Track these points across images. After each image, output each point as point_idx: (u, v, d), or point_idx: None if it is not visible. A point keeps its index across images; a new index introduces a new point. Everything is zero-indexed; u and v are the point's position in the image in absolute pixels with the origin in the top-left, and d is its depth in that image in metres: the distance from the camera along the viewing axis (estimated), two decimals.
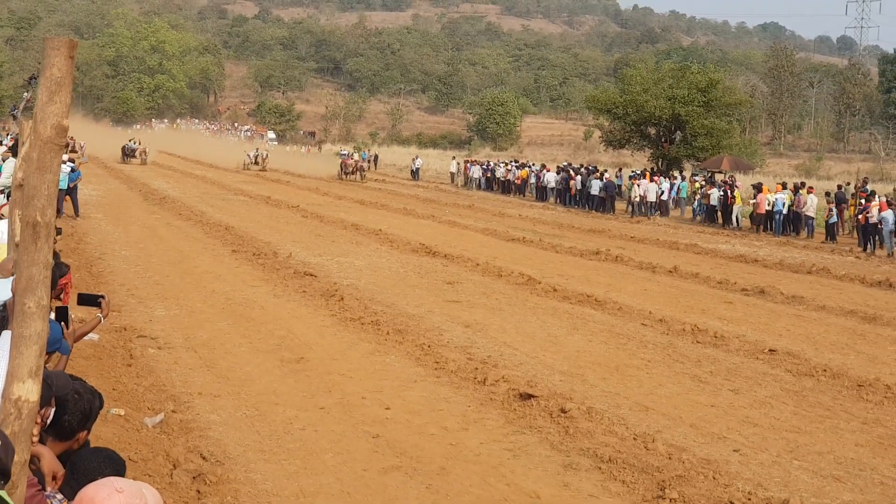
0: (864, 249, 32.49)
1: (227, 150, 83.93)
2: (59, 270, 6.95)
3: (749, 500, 8.21)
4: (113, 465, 4.30)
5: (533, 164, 63.28)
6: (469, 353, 13.56)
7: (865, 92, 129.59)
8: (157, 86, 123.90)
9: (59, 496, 3.84)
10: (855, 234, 35.55)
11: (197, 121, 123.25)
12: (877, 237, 32.28)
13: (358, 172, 63.20)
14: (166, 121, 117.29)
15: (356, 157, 69.35)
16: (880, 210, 32.00)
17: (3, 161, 28.61)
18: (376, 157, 63.58)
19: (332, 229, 30.79)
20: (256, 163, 69.44)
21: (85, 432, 4.47)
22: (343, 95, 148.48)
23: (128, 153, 66.94)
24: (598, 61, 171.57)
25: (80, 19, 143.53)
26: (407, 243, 27.16)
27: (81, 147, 61.23)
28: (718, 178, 48.56)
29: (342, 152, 67.37)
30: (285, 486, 8.25)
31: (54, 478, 3.97)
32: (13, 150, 29.30)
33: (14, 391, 3.79)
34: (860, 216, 33.59)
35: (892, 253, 30.23)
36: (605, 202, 46.05)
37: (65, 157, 12.90)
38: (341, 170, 63.75)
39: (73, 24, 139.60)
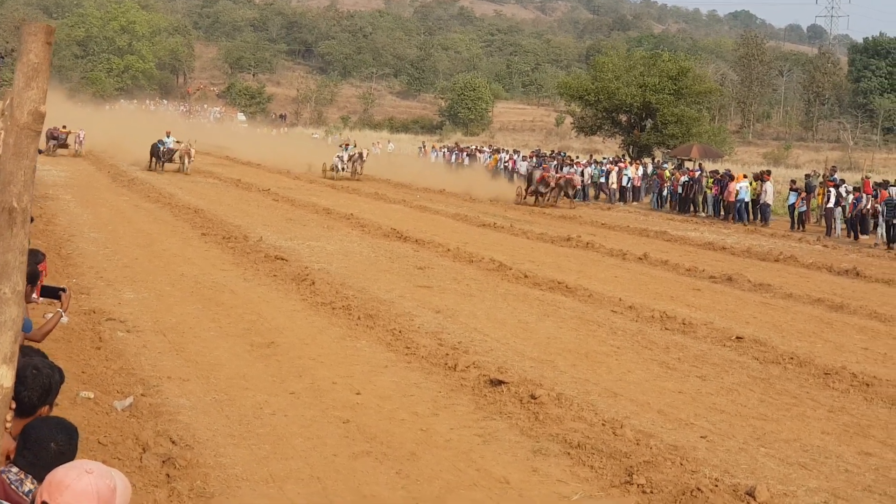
0: (855, 238, 32.84)
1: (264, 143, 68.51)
2: (35, 258, 6.91)
3: (716, 486, 8.26)
4: (64, 430, 4.28)
5: (506, 150, 64.05)
6: (440, 338, 13.58)
7: (835, 81, 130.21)
8: (127, 66, 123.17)
9: (26, 477, 3.83)
10: (821, 222, 35.86)
11: (166, 101, 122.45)
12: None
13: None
14: (135, 101, 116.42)
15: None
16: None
17: None
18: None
19: (303, 213, 30.73)
20: (347, 168, 49.21)
21: (46, 407, 4.44)
22: (314, 78, 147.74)
23: (163, 156, 45.36)
24: (570, 48, 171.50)
25: (47, 0, 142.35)
26: (378, 228, 27.15)
27: (80, 140, 52.81)
28: (689, 166, 48.81)
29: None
30: (255, 471, 8.26)
31: (7, 456, 3.97)
32: None
33: None
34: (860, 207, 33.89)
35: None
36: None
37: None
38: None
39: (42, 3, 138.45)
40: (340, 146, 52.19)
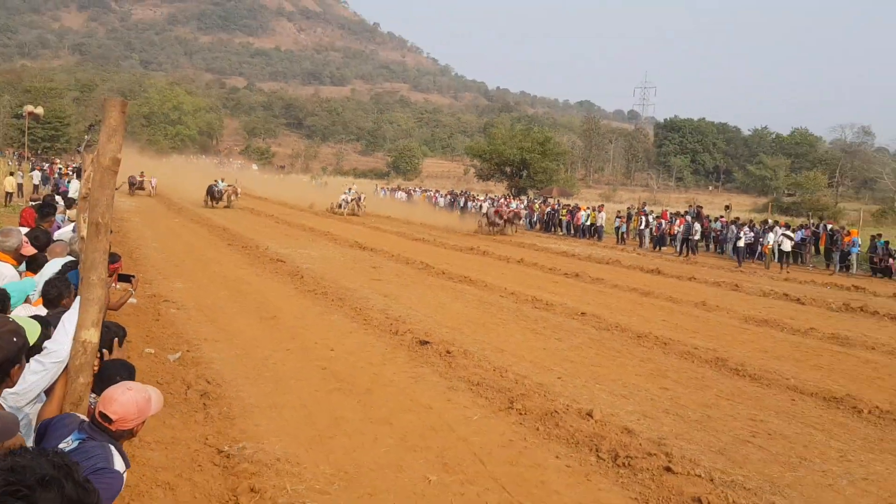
0: (657, 249, 33.29)
1: (297, 187, 63.96)
2: (112, 258, 6.81)
3: (567, 409, 8.33)
4: (126, 368, 4.29)
5: (429, 190, 64.39)
6: (386, 313, 13.54)
7: (645, 147, 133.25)
8: (177, 133, 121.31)
9: (92, 395, 3.83)
10: (636, 239, 36.38)
11: (204, 156, 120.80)
12: (679, 243, 33.26)
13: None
14: (183, 156, 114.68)
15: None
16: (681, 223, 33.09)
17: (69, 182, 28.02)
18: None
19: (295, 231, 30.46)
20: (347, 206, 43.57)
21: (107, 352, 4.39)
22: (303, 142, 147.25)
23: (216, 196, 41.45)
24: (473, 123, 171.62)
25: (125, 86, 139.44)
26: (346, 241, 26.98)
27: (152, 185, 48.47)
28: (550, 201, 49.24)
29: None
30: (262, 401, 8.19)
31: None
32: (77, 175, 28.64)
33: (82, 335, 3.77)
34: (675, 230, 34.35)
35: (681, 252, 30.98)
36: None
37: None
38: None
39: (120, 89, 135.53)
40: (346, 190, 47.16)
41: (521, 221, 40.65)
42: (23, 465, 1.49)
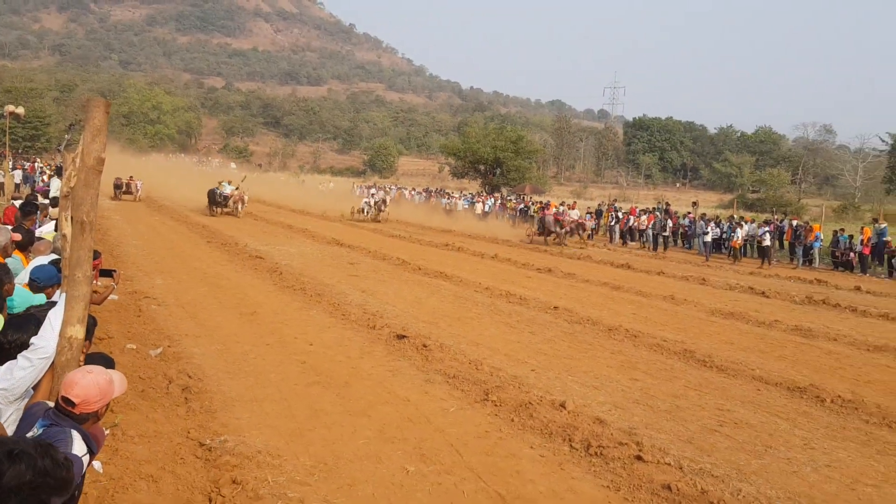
0: (625, 244, 33.41)
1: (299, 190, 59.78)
2: (93, 255, 6.76)
3: (541, 401, 8.36)
4: (104, 359, 4.29)
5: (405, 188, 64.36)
6: (364, 308, 13.52)
7: (615, 145, 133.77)
8: (156, 132, 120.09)
9: None
10: (607, 235, 36.54)
11: (183, 154, 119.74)
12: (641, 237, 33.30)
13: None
14: (162, 154, 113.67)
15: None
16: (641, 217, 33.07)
17: (50, 180, 27.73)
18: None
19: (273, 228, 30.32)
20: (370, 211, 38.69)
21: (88, 342, 4.36)
22: (281, 141, 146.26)
23: (219, 201, 34.96)
24: (448, 122, 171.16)
25: (104, 86, 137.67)
26: (324, 237, 26.91)
27: (137, 188, 42.35)
28: (526, 199, 49.39)
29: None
30: (243, 394, 8.15)
31: None
32: (58, 174, 28.33)
33: (67, 332, 3.76)
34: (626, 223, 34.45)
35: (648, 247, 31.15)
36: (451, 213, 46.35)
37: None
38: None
39: (100, 89, 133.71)
40: (369, 191, 41.40)
41: (587, 233, 34.85)
42: None
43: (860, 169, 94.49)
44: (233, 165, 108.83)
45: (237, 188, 36.10)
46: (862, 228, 29.56)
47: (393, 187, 68.29)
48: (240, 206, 35.07)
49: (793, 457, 7.19)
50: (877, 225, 28.81)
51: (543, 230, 31.87)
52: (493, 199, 49.17)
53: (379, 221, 37.77)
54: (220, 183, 36.71)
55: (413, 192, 58.47)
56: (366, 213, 38.35)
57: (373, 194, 42.36)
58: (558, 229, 31.55)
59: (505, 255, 24.73)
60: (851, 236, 28.52)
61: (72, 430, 3.31)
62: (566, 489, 6.18)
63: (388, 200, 40.81)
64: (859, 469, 6.99)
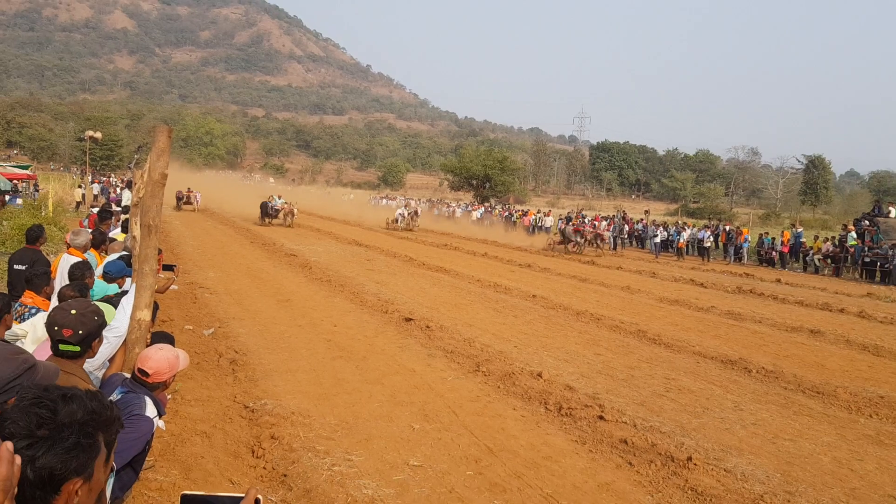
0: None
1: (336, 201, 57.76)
2: (157, 252, 6.74)
3: (521, 371, 8.36)
4: (166, 338, 4.28)
5: (413, 198, 64.24)
6: (378, 296, 13.52)
7: (582, 164, 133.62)
8: (209, 153, 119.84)
9: None
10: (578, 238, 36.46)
11: (230, 171, 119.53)
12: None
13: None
14: (213, 171, 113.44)
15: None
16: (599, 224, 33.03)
17: (122, 191, 27.76)
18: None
19: (304, 231, 30.28)
20: (404, 221, 35.99)
21: (152, 323, 4.36)
22: (311, 160, 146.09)
23: (270, 213, 32.41)
24: (446, 145, 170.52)
25: (166, 115, 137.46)
26: (346, 239, 26.85)
27: (197, 199, 40.10)
28: (510, 208, 49.32)
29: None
30: (279, 366, 8.14)
31: None
32: (129, 187, 28.32)
33: (137, 315, 3.76)
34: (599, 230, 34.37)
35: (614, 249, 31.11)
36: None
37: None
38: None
39: (163, 118, 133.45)
40: (402, 205, 38.60)
41: (607, 244, 31.06)
42: (51, 387, 1.52)
43: (781, 184, 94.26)
44: (271, 180, 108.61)
45: (287, 201, 34.16)
46: (782, 232, 29.63)
47: (401, 198, 68.28)
48: (290, 218, 32.51)
49: (725, 416, 7.20)
50: (794, 229, 28.88)
51: (564, 239, 29.23)
52: (483, 209, 49.11)
53: (411, 230, 35.21)
54: (271, 196, 34.59)
55: (419, 202, 58.50)
56: (399, 224, 35.91)
57: (406, 204, 39.37)
58: (578, 239, 28.99)
59: (493, 253, 24.69)
60: (773, 238, 28.55)
61: (145, 396, 3.32)
62: (542, 443, 6.19)
63: (419, 212, 38.40)
64: (779, 426, 7.00)
